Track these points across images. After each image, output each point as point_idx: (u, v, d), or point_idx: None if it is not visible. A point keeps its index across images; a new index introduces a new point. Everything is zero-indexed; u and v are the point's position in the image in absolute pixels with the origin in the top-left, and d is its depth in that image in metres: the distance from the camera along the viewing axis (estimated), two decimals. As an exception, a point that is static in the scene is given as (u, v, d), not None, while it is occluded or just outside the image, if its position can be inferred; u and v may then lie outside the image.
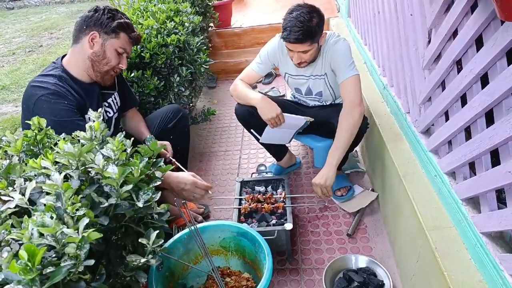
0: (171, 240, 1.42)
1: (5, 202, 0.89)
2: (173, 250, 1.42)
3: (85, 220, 0.75)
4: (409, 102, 1.64)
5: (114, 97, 1.68)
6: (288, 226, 1.52)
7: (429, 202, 1.31)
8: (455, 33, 1.21)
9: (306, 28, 1.53)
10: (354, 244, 1.68)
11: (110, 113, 1.65)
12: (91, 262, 0.73)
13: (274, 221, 1.64)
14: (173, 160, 1.64)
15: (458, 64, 1.23)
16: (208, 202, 2.00)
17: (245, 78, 1.88)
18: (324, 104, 1.93)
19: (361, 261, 1.55)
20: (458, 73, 1.21)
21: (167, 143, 1.71)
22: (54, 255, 0.75)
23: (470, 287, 1.02)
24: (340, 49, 1.66)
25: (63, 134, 1.23)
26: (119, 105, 1.71)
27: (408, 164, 1.51)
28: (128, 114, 1.84)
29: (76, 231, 0.73)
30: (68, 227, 0.79)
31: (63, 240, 0.75)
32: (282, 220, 1.63)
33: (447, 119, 1.30)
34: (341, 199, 1.91)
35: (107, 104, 1.63)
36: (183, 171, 1.65)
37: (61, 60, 1.51)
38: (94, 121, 1.29)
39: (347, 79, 1.65)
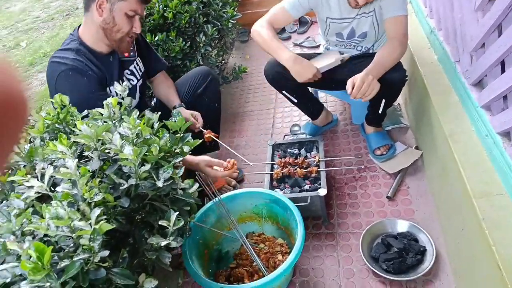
0: (202, 209, 1.43)
1: (28, 188, 0.90)
2: (205, 218, 1.43)
3: (97, 211, 0.73)
4: (459, 49, 1.44)
5: (136, 63, 1.63)
6: (322, 191, 1.45)
7: (477, 165, 1.17)
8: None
9: None
10: (394, 207, 1.59)
11: (133, 81, 1.62)
12: (106, 253, 0.72)
13: (307, 186, 1.58)
14: (204, 131, 1.60)
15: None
16: (242, 165, 1.97)
17: (273, 20, 1.67)
18: (364, 50, 1.75)
19: (402, 226, 1.47)
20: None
21: (197, 113, 1.65)
22: (71, 244, 0.75)
23: (522, 263, 0.91)
24: None
25: (85, 111, 1.22)
26: (142, 70, 1.67)
27: (456, 121, 1.35)
28: (156, 80, 1.79)
29: (89, 222, 0.72)
30: (84, 215, 0.79)
31: (78, 230, 0.74)
32: (316, 185, 1.57)
33: (503, 70, 1.12)
34: (381, 159, 1.79)
35: (129, 72, 1.60)
36: (216, 140, 1.62)
37: (78, 30, 1.47)
38: (117, 94, 1.27)
39: (396, 16, 1.51)
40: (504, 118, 1.09)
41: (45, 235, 0.78)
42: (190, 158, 1.43)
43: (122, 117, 1.07)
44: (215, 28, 2.09)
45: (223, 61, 2.56)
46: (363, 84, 1.42)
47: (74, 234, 0.72)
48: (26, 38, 4.93)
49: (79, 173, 0.87)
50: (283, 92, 1.78)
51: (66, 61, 1.38)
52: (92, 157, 1.00)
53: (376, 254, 1.41)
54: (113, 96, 1.23)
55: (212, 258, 1.48)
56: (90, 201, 0.82)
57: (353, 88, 1.44)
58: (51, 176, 0.90)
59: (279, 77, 1.68)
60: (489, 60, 1.17)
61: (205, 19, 2.10)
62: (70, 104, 1.20)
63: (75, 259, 0.67)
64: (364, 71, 1.47)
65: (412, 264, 1.35)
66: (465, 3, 1.29)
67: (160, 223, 0.91)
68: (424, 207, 1.56)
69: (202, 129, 1.61)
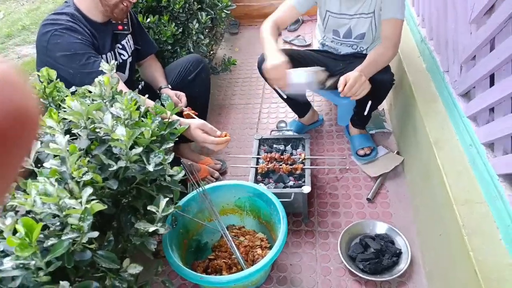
0: (185, 198, 1.41)
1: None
2: (187, 208, 1.41)
3: (88, 190, 0.71)
4: (449, 59, 1.48)
5: (128, 39, 1.61)
6: (306, 189, 1.46)
7: (461, 174, 1.21)
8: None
9: None
10: (373, 209, 1.62)
11: (124, 55, 1.59)
12: (95, 234, 0.70)
13: (291, 183, 1.59)
14: (186, 110, 1.56)
15: (515, 20, 1.06)
16: (225, 158, 1.95)
17: (281, 17, 1.67)
18: (359, 50, 1.77)
19: (380, 228, 1.50)
20: (513, 31, 1.04)
21: (181, 93, 1.64)
22: (58, 223, 0.72)
23: (498, 269, 0.95)
24: None
25: (73, 87, 1.17)
26: (132, 48, 1.64)
27: (442, 129, 1.39)
28: (145, 62, 1.76)
29: (79, 201, 0.69)
30: (72, 194, 0.76)
31: (67, 208, 0.71)
32: (300, 182, 1.58)
33: (492, 83, 1.16)
34: (364, 160, 1.83)
35: (120, 46, 1.57)
36: (196, 118, 1.58)
37: None
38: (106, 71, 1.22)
39: (393, 19, 1.54)
40: (489, 129, 1.13)
41: (28, 212, 0.75)
42: (180, 118, 1.37)
43: (115, 96, 1.03)
44: (208, 17, 2.06)
45: (212, 52, 2.53)
46: (355, 84, 1.44)
47: (62, 213, 0.69)
48: (4, 9, 4.69)
49: (68, 150, 0.83)
50: (274, 87, 1.78)
51: (60, 22, 1.35)
52: (80, 136, 0.96)
53: (354, 254, 1.44)
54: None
55: (190, 248, 1.47)
56: (78, 180, 0.79)
57: (344, 86, 1.46)
58: (36, 152, 0.86)
59: None
60: (479, 73, 1.20)
61: (199, 6, 2.07)
62: (62, 66, 1.15)
63: (63, 238, 0.64)
64: (358, 69, 1.50)
65: (388, 265, 1.38)
66: (460, 14, 1.33)
67: (149, 208, 0.88)
68: (402, 211, 1.60)
69: (184, 108, 1.57)
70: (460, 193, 1.15)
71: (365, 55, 1.61)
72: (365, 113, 1.72)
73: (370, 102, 1.67)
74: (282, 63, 1.44)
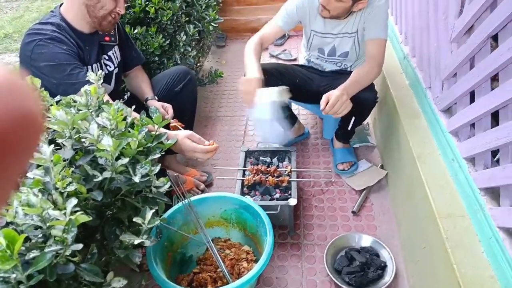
0: (170, 210, 1.39)
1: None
2: (172, 220, 1.38)
3: (73, 201, 0.69)
4: (431, 76, 1.52)
5: (115, 51, 1.60)
6: (292, 201, 1.46)
7: (443, 187, 1.23)
8: (493, 4, 1.07)
9: None
10: (358, 222, 1.63)
11: (110, 67, 1.58)
12: (79, 246, 0.68)
13: (277, 195, 1.59)
14: (173, 122, 1.55)
15: (493, 40, 1.11)
16: (211, 170, 1.94)
17: (265, 35, 1.70)
18: (343, 67, 1.81)
19: (365, 240, 1.51)
20: (491, 50, 1.09)
21: (168, 105, 1.63)
22: (40, 235, 0.70)
23: (480, 282, 0.97)
24: (382, 6, 1.56)
25: (57, 97, 1.16)
26: (119, 59, 1.63)
27: (424, 144, 1.42)
28: (132, 73, 1.75)
29: (64, 212, 0.68)
30: (56, 205, 0.74)
31: (50, 220, 0.69)
32: (286, 195, 1.58)
33: (472, 99, 1.20)
34: (343, 174, 1.85)
35: (107, 57, 1.56)
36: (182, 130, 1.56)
37: (59, 8, 1.43)
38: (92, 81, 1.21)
39: (377, 39, 1.58)
40: (470, 144, 1.16)
41: (9, 223, 0.72)
42: (166, 132, 1.36)
43: (102, 106, 1.02)
44: (196, 29, 2.07)
45: (198, 64, 2.53)
46: (336, 102, 1.47)
47: (45, 224, 0.67)
48: (-14, 16, 4.61)
49: (52, 160, 0.81)
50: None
51: (45, 32, 1.33)
52: (64, 146, 0.95)
53: (339, 267, 1.44)
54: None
55: (175, 261, 1.44)
56: (62, 191, 0.77)
57: (326, 104, 1.48)
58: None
59: None
60: (460, 89, 1.24)
61: (187, 18, 2.08)
62: (46, 76, 1.14)
63: (46, 250, 0.62)
64: (341, 87, 1.52)
65: (373, 278, 1.39)
66: (442, 33, 1.37)
67: (135, 220, 0.87)
68: (386, 224, 1.62)
69: (171, 120, 1.56)
70: (443, 206, 1.17)
71: (350, 72, 1.65)
72: (349, 128, 1.75)
73: (353, 118, 1.70)
74: (255, 79, 1.46)
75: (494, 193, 1.07)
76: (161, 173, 1.30)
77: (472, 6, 1.14)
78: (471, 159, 1.18)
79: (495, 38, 1.08)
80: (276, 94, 1.47)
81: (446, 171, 1.28)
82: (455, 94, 1.28)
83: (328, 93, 1.51)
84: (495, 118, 1.10)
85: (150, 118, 1.15)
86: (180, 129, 1.43)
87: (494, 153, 1.10)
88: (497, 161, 1.08)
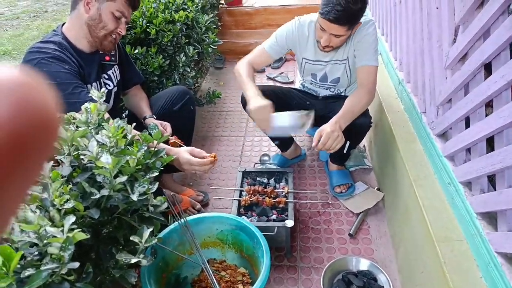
0: (166, 230, 1.37)
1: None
2: (168, 240, 1.37)
3: (71, 219, 0.68)
4: (426, 101, 1.55)
5: (114, 70, 1.62)
6: (289, 223, 1.46)
7: (440, 211, 1.24)
8: (486, 33, 1.11)
9: (349, 10, 1.41)
10: (355, 245, 1.62)
11: (109, 85, 1.59)
12: (76, 265, 0.67)
13: (274, 216, 1.58)
14: (172, 138, 1.56)
15: (486, 67, 1.14)
16: (208, 189, 1.93)
17: (255, 60, 1.73)
18: (336, 92, 1.84)
19: (362, 264, 1.50)
20: (485, 77, 1.12)
21: (167, 123, 1.64)
22: (36, 252, 0.69)
23: (479, 308, 0.96)
24: (370, 34, 1.58)
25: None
26: (118, 78, 1.65)
27: (421, 167, 1.43)
28: (131, 92, 1.77)
29: (61, 229, 0.67)
30: (53, 222, 0.73)
31: (47, 237, 0.68)
32: (283, 216, 1.57)
33: (467, 125, 1.22)
34: (340, 196, 1.85)
35: (106, 76, 1.58)
36: (182, 146, 1.57)
37: (61, 27, 1.46)
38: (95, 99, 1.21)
39: (368, 66, 1.59)
40: (466, 168, 1.17)
41: (3, 240, 0.71)
42: (166, 147, 1.35)
43: (102, 124, 1.02)
44: (195, 51, 2.11)
45: (196, 85, 2.56)
46: (328, 140, 1.47)
47: (42, 242, 0.66)
48: (-14, 33, 4.65)
49: (50, 177, 0.81)
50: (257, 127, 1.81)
51: (47, 50, 1.34)
52: (62, 162, 0.94)
53: (336, 291, 1.42)
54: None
55: (169, 283, 1.41)
56: (59, 208, 0.77)
57: (318, 141, 1.49)
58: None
59: None
60: (455, 115, 1.27)
61: (187, 40, 2.11)
62: None
63: (42, 268, 0.61)
64: (333, 120, 1.51)
65: (371, 303, 1.37)
66: (436, 60, 1.41)
67: (132, 238, 0.86)
68: (383, 248, 1.61)
69: (170, 138, 1.57)
70: (440, 230, 1.17)
71: (345, 96, 1.67)
72: (344, 151, 1.76)
73: (348, 142, 1.71)
74: (266, 106, 1.49)
75: (491, 217, 1.08)
76: (158, 192, 1.29)
77: (466, 35, 1.18)
78: (467, 183, 1.19)
79: (487, 66, 1.11)
80: (294, 119, 1.52)
81: (442, 194, 1.29)
82: (450, 120, 1.30)
83: (319, 129, 1.51)
84: (489, 143, 1.12)
85: (150, 135, 1.16)
86: (180, 146, 1.44)
87: (491, 175, 1.11)
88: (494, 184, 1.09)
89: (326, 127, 1.49)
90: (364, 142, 2.20)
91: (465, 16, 1.20)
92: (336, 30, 1.47)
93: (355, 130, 1.63)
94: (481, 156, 1.11)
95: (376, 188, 1.89)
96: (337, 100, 1.75)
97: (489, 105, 1.14)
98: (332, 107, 1.70)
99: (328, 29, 1.48)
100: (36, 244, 0.68)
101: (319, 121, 1.74)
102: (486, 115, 1.12)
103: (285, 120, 1.51)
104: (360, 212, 1.75)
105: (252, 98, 1.53)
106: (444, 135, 1.42)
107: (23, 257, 0.68)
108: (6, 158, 0.15)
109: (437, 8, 1.39)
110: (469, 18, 1.19)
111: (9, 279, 0.55)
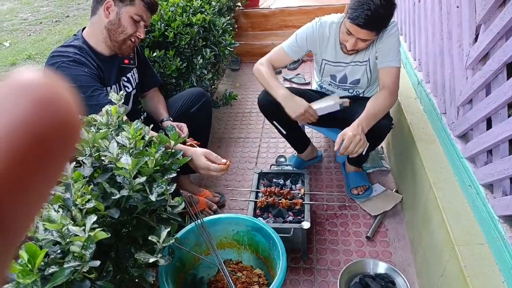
0: (183, 231, 1.38)
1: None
2: (185, 240, 1.38)
3: (93, 218, 0.70)
4: (446, 102, 1.52)
5: (133, 73, 1.66)
6: (306, 224, 1.45)
7: (460, 214, 1.21)
8: (509, 32, 1.08)
9: (379, 15, 1.40)
10: (373, 248, 1.60)
11: (128, 88, 1.63)
12: (97, 263, 0.68)
13: (290, 218, 1.58)
14: (189, 140, 1.57)
15: (509, 67, 1.11)
16: (224, 191, 1.95)
17: (274, 60, 1.74)
18: (355, 94, 1.82)
19: (380, 267, 1.48)
20: (507, 77, 1.09)
21: (183, 124, 1.66)
22: (59, 251, 0.71)
23: (501, 313, 0.93)
24: (394, 35, 1.57)
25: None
26: (137, 81, 1.68)
27: (440, 169, 1.41)
28: (149, 94, 1.80)
29: (83, 228, 0.69)
30: (75, 221, 0.75)
31: (69, 236, 0.70)
32: (299, 218, 1.57)
33: (489, 126, 1.19)
34: (357, 198, 1.83)
35: (125, 79, 1.61)
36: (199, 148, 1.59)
37: (82, 32, 1.50)
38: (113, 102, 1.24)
39: (390, 67, 1.58)
40: (488, 171, 1.14)
41: (28, 238, 0.74)
42: (184, 147, 1.37)
43: (122, 125, 1.05)
44: (212, 53, 2.13)
45: (213, 87, 2.59)
46: (350, 144, 1.45)
47: (64, 241, 0.68)
48: (11, 38, 4.81)
49: (72, 177, 0.83)
50: (274, 122, 1.81)
51: (67, 54, 1.39)
52: (84, 163, 0.97)
53: (353, 294, 1.40)
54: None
55: (186, 283, 1.42)
56: (81, 208, 0.79)
57: (340, 145, 1.48)
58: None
59: (272, 107, 1.71)
60: (476, 116, 1.24)
61: (204, 43, 2.13)
62: None
63: (65, 266, 0.63)
64: (355, 123, 1.49)
65: (388, 307, 1.35)
66: (456, 60, 1.38)
67: (150, 238, 0.87)
68: (401, 251, 1.58)
69: (187, 140, 1.58)
70: (460, 233, 1.14)
71: (363, 97, 1.66)
72: (363, 153, 1.74)
73: (367, 144, 1.69)
74: (300, 100, 1.58)
75: (514, 221, 1.05)
76: (175, 193, 1.31)
77: (487, 34, 1.16)
78: (488, 185, 1.17)
79: (509, 66, 1.09)
80: (333, 98, 1.67)
81: (463, 197, 1.26)
82: (471, 120, 1.27)
83: (341, 133, 1.49)
84: (512, 144, 1.09)
85: (167, 136, 1.18)
86: (196, 147, 1.45)
87: (513, 180, 1.08)
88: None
89: (348, 131, 1.47)
90: (382, 143, 2.17)
91: (487, 15, 1.17)
92: (364, 35, 1.46)
93: (376, 132, 1.60)
94: (503, 158, 1.08)
95: (394, 190, 1.87)
96: (358, 102, 1.74)
97: (511, 105, 1.11)
98: (352, 108, 1.69)
99: (355, 33, 1.47)
100: (59, 243, 0.70)
101: (339, 121, 1.73)
102: (509, 116, 1.09)
103: (328, 99, 1.65)
104: (378, 215, 1.73)
105: (276, 92, 1.61)
106: (464, 136, 1.39)
107: (46, 255, 0.70)
108: (30, 156, 0.16)
109: (458, 7, 1.37)
110: (490, 17, 1.16)
111: (34, 275, 0.57)
